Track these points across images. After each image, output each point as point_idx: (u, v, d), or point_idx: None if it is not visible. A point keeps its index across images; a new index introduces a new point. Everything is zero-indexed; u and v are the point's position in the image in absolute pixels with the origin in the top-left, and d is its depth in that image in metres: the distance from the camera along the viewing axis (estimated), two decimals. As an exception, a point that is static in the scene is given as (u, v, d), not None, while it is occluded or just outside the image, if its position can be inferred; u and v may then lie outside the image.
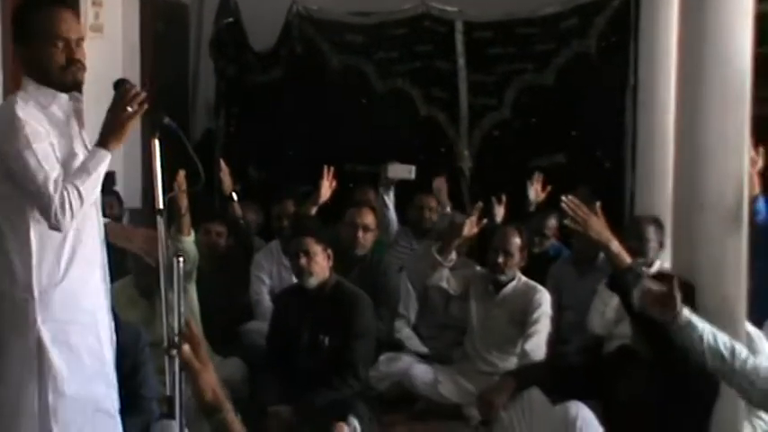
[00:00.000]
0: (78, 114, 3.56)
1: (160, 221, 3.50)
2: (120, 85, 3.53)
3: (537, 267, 6.10)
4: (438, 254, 5.59)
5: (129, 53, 7.86)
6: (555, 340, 5.83)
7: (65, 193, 3.31)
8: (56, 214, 3.30)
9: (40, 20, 3.47)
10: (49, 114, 3.46)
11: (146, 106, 3.46)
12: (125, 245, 3.87)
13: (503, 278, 5.61)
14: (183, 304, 3.56)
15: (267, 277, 6.34)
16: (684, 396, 3.89)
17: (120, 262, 5.49)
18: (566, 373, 4.98)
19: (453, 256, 5.66)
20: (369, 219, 6.06)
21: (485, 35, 7.90)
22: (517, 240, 5.57)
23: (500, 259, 5.55)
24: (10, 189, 3.38)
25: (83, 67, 3.48)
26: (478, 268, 5.94)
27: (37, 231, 3.40)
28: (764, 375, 3.52)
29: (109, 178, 6.47)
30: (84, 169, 3.40)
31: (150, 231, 3.74)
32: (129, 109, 3.43)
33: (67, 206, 3.32)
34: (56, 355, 3.43)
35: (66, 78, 3.47)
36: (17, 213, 3.40)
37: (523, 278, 5.68)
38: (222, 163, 6.69)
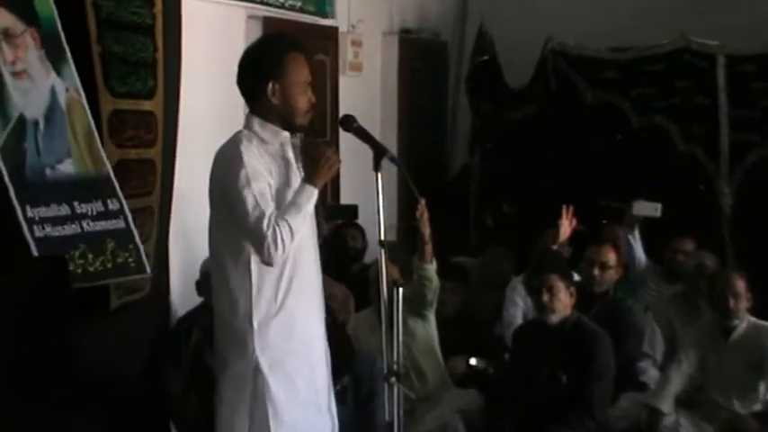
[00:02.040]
0: (296, 149, 3.74)
1: (381, 252, 3.58)
2: (345, 122, 3.68)
3: None
4: None
5: (388, 90, 8.08)
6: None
7: (277, 229, 3.46)
8: (268, 250, 3.46)
9: (295, 59, 3.65)
10: (271, 151, 3.64)
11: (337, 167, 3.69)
12: None
13: (735, 322, 5.42)
14: (403, 333, 3.65)
15: (522, 301, 6.33)
16: None
17: (363, 292, 5.70)
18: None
19: None
20: (608, 256, 5.96)
21: (748, 69, 7.55)
22: (741, 283, 5.39)
23: (731, 303, 5.37)
24: (233, 225, 3.57)
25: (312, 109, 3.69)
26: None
27: (257, 265, 3.58)
28: None
29: (352, 211, 6.71)
30: (295, 204, 3.55)
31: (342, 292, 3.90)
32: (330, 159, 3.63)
33: (279, 241, 3.47)
34: (274, 382, 3.59)
35: (303, 121, 3.67)
36: (239, 249, 3.58)
37: (752, 319, 5.46)
38: None
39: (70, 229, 4.10)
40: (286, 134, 3.68)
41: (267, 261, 3.52)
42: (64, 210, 4.11)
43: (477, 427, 5.40)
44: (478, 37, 8.43)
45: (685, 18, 7.64)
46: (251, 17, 6.15)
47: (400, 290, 3.60)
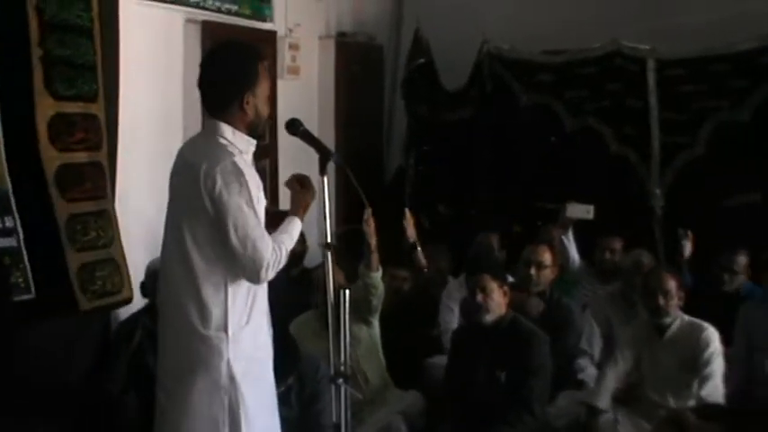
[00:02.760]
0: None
1: (328, 255, 3.61)
2: (291, 126, 3.71)
3: (728, 307, 5.94)
4: None
5: (325, 94, 8.08)
6: (745, 382, 5.70)
7: (276, 254, 3.53)
8: (266, 270, 3.52)
9: (261, 71, 3.65)
10: (247, 160, 3.65)
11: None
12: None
13: (667, 320, 5.50)
14: (350, 335, 3.70)
15: (457, 307, 6.43)
16: None
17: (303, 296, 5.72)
18: (752, 418, 4.80)
19: None
20: (544, 256, 6.06)
21: (677, 73, 7.72)
22: (673, 282, 5.48)
23: (661, 301, 5.45)
24: (212, 239, 3.54)
25: None
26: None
27: (230, 279, 3.58)
28: None
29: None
30: (290, 235, 3.65)
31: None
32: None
33: (276, 264, 3.55)
34: (247, 390, 3.61)
35: (265, 128, 3.76)
36: (214, 263, 3.56)
37: (686, 317, 5.55)
38: (407, 212, 6.63)
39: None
40: (254, 142, 3.70)
41: (257, 280, 3.56)
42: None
43: (419, 427, 5.44)
44: (414, 40, 8.50)
45: (616, 23, 7.80)
46: (189, 21, 6.13)
47: (347, 293, 3.63)
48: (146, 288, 5.05)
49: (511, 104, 8.13)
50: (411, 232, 6.53)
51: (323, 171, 3.63)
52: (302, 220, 3.76)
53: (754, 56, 7.50)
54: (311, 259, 6.65)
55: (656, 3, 7.80)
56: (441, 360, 6.11)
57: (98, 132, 4.91)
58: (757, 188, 7.44)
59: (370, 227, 5.25)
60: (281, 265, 3.57)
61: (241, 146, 3.62)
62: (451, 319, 6.42)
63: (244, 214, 3.49)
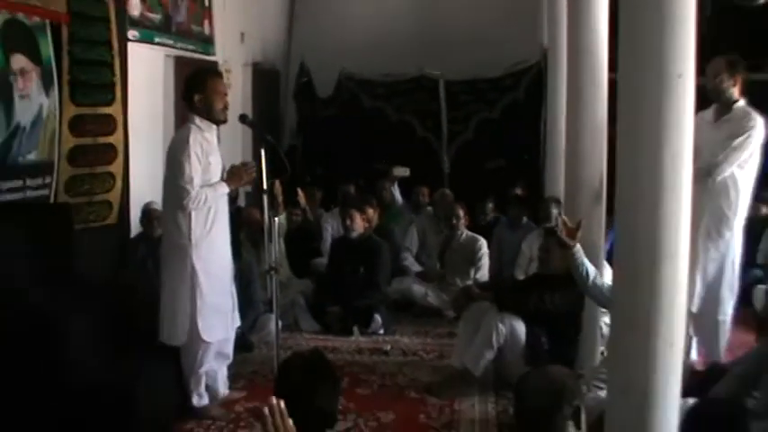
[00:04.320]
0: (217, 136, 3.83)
1: (264, 197, 3.72)
2: (242, 119, 3.80)
3: (486, 232, 6.20)
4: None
5: (245, 101, 7.95)
6: (497, 271, 6.03)
7: (198, 194, 3.57)
8: (188, 202, 3.56)
9: (212, 81, 3.72)
10: (206, 137, 3.70)
11: (253, 176, 3.75)
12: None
13: (458, 233, 5.84)
14: (277, 246, 3.81)
15: (331, 228, 6.54)
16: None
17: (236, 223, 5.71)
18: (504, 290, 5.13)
19: None
20: (368, 212, 5.93)
21: (457, 88, 8.00)
22: (461, 210, 5.83)
23: (454, 221, 5.82)
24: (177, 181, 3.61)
25: (227, 110, 3.78)
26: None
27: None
28: (606, 288, 3.69)
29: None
30: (213, 189, 3.67)
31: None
32: (244, 178, 3.75)
33: (198, 202, 3.58)
34: (203, 279, 3.66)
35: (222, 117, 3.74)
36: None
37: (468, 232, 5.89)
38: (299, 191, 6.51)
39: (17, 196, 4.07)
40: (213, 125, 3.76)
41: (183, 207, 3.59)
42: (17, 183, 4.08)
43: (311, 301, 5.57)
44: (300, 67, 8.50)
45: (422, 57, 8.00)
46: (167, 56, 6.00)
47: (276, 219, 3.78)
48: (142, 221, 5.04)
49: (359, 107, 8.22)
50: (302, 202, 6.51)
51: (260, 145, 3.72)
52: (229, 188, 3.77)
53: (501, 79, 7.89)
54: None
55: (447, 48, 8.03)
56: (321, 261, 6.25)
57: (110, 124, 4.84)
58: (502, 157, 7.88)
59: (278, 188, 5.41)
60: (201, 203, 3.58)
61: (204, 127, 3.68)
62: (327, 236, 6.48)
63: (183, 166, 3.55)
